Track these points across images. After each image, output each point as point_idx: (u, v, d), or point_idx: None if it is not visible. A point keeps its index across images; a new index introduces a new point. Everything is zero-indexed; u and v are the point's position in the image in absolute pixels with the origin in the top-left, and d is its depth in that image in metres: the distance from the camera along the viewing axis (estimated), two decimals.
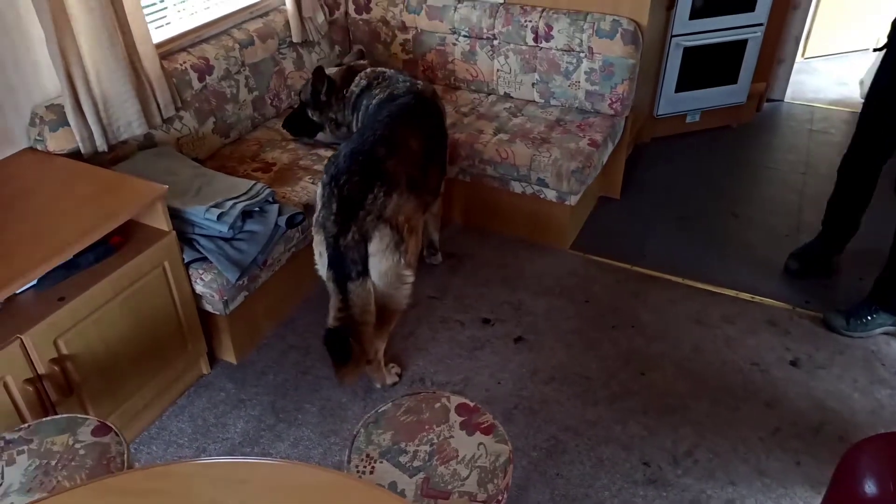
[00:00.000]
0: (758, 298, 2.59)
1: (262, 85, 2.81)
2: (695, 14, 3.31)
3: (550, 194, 2.72)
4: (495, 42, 3.00)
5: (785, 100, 4.09)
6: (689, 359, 2.34)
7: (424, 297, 2.61)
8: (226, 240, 2.07)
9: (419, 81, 2.48)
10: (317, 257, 2.01)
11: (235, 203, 2.10)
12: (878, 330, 2.39)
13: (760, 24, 3.45)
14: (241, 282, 2.09)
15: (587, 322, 2.51)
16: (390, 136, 2.12)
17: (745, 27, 3.43)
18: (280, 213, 2.21)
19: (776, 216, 3.11)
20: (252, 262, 2.10)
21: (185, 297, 2.06)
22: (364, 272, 1.91)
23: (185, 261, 2.03)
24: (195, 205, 2.05)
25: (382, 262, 1.92)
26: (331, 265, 1.93)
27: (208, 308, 2.12)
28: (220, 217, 2.04)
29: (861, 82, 4.15)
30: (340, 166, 1.98)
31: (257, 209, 2.17)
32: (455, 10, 3.02)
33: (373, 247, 1.90)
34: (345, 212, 1.89)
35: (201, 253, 2.04)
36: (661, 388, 2.24)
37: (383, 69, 2.58)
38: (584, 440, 2.07)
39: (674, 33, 3.34)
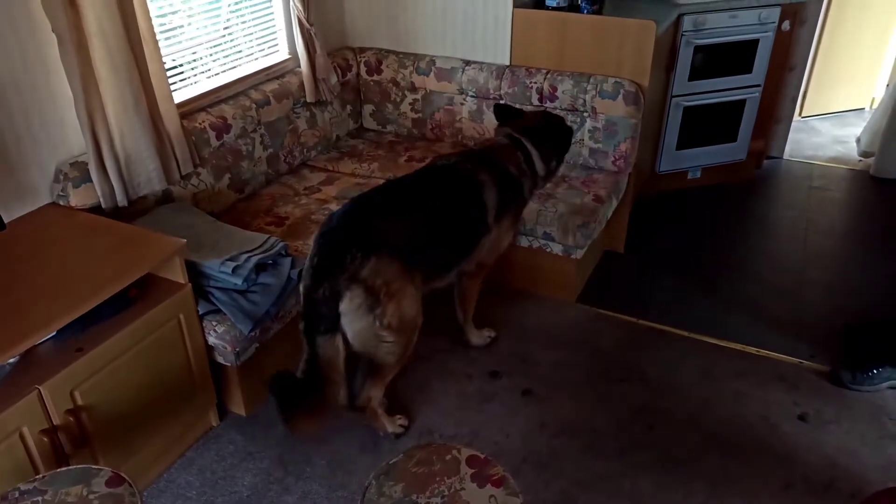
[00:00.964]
0: (764, 352, 2.60)
1: (277, 143, 2.91)
2: (694, 75, 3.44)
3: (556, 248, 2.77)
4: (502, 102, 3.11)
5: (784, 157, 4.18)
6: (698, 413, 2.34)
7: (434, 349, 2.63)
8: (240, 292, 2.11)
9: (481, 159, 2.31)
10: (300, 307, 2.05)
11: (250, 256, 2.15)
12: (885, 384, 2.40)
13: (758, 86, 3.57)
14: (253, 333, 2.12)
15: (595, 375, 2.52)
16: (394, 198, 2.15)
17: (742, 88, 3.55)
18: (293, 266, 2.26)
19: (779, 271, 3.14)
20: (265, 314, 2.14)
21: (197, 349, 2.09)
22: (333, 329, 1.92)
23: (200, 313, 2.07)
24: (211, 258, 2.11)
25: (354, 322, 1.93)
26: (302, 317, 1.99)
27: (220, 360, 2.15)
28: (234, 270, 2.09)
29: (858, 140, 4.26)
30: (332, 222, 2.04)
31: (270, 262, 2.22)
32: (463, 71, 3.14)
33: (343, 306, 1.91)
34: (321, 268, 1.94)
35: (216, 305, 2.08)
36: (671, 443, 2.24)
37: (502, 140, 2.43)
38: (594, 495, 2.06)
39: (674, 94, 3.46)
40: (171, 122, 2.36)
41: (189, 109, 2.58)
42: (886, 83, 4.63)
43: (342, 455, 2.20)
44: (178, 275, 2.01)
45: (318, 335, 1.93)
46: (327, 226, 2.05)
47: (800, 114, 4.67)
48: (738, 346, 2.64)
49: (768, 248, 3.32)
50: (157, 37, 2.28)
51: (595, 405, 2.39)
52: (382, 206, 2.11)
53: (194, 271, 2.10)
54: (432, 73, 3.20)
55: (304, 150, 3.09)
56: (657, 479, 2.11)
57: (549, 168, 2.49)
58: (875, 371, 2.39)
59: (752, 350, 2.62)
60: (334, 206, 2.73)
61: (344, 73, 3.27)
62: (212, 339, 2.10)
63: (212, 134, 2.58)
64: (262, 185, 2.87)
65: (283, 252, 2.27)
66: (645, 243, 3.33)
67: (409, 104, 3.32)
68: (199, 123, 2.55)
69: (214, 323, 2.08)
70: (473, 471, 1.51)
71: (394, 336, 2.01)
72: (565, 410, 2.37)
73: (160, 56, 2.29)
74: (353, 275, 1.90)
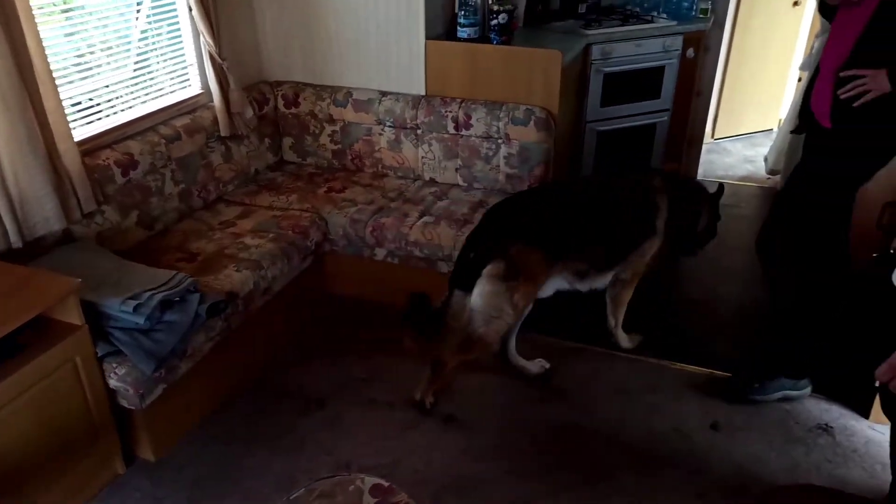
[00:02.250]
0: (678, 365, 2.67)
1: (189, 178, 2.86)
2: (605, 101, 3.57)
3: None
4: (419, 131, 3.16)
5: (697, 178, 4.36)
6: (615, 428, 2.38)
7: (353, 379, 2.60)
8: (142, 331, 2.05)
9: (655, 186, 2.55)
10: None
11: (154, 294, 2.09)
12: (777, 394, 2.46)
13: (666, 110, 3.73)
14: (158, 373, 2.05)
15: (517, 397, 2.54)
16: (557, 198, 2.51)
17: (652, 112, 3.70)
18: (201, 302, 2.20)
19: (692, 286, 3.25)
20: (170, 352, 2.07)
21: (97, 393, 2.01)
22: (469, 289, 2.23)
23: (99, 354, 1.99)
24: (111, 297, 2.04)
25: (487, 285, 2.23)
26: (453, 270, 2.38)
27: (123, 403, 2.07)
28: (136, 308, 2.03)
29: (765, 159, 4.48)
30: (502, 207, 2.44)
31: (177, 299, 2.16)
32: (380, 102, 3.18)
33: (486, 270, 2.22)
34: (478, 236, 2.35)
35: (116, 346, 2.01)
36: (592, 460, 2.26)
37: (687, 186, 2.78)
38: None
39: (588, 119, 3.58)
40: (71, 160, 2.30)
41: (93, 147, 2.52)
42: (790, 104, 4.90)
43: (256, 493, 2.13)
44: (74, 316, 1.94)
45: (457, 288, 2.23)
46: (499, 206, 2.43)
47: (712, 136, 4.90)
48: (652, 360, 2.70)
49: (682, 264, 3.43)
50: (72, 76, 2.23)
51: (517, 427, 2.39)
52: (544, 202, 2.48)
53: (94, 312, 2.02)
54: (349, 105, 3.22)
55: (220, 185, 3.05)
56: (580, 498, 2.12)
57: (702, 229, 2.75)
58: (766, 383, 2.46)
59: (666, 363, 2.68)
60: (249, 240, 2.69)
61: (261, 106, 3.26)
62: (113, 382, 2.02)
63: (117, 171, 2.52)
64: (174, 221, 2.81)
65: (192, 288, 2.22)
66: None
67: (329, 136, 3.33)
68: (104, 160, 2.49)
69: (115, 365, 2.01)
70: (377, 500, 1.49)
71: (512, 314, 2.28)
72: (488, 434, 2.37)
73: (57, 94, 2.24)
74: (503, 249, 2.23)
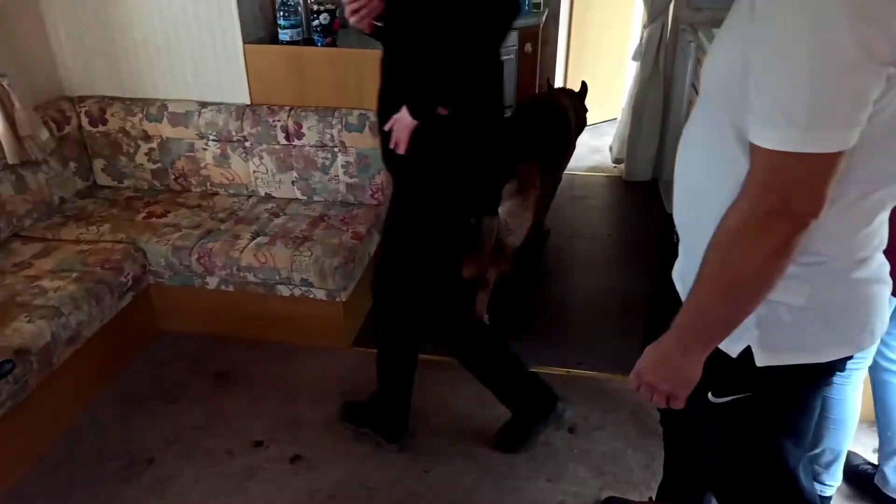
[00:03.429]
0: (534, 368, 2.60)
1: None
2: None
3: (319, 293, 2.60)
4: (247, 144, 2.89)
5: None
6: (472, 445, 2.27)
7: (186, 429, 2.32)
8: None
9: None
10: None
11: None
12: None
13: (509, 106, 3.69)
14: None
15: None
16: (527, 124, 3.15)
17: None
18: None
19: (548, 282, 3.23)
20: None
21: None
22: (495, 212, 2.34)
23: None
24: None
25: (507, 203, 2.56)
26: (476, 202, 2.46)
27: None
28: None
29: (611, 148, 4.60)
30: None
31: None
32: (200, 114, 2.88)
33: (504, 192, 2.40)
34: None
35: None
36: (447, 484, 2.13)
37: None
38: None
39: None
40: None
41: None
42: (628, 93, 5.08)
43: None
44: None
45: (485, 215, 2.23)
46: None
47: None
48: None
49: (544, 256, 3.41)
50: None
51: (369, 459, 2.22)
52: (520, 125, 3.07)
53: None
54: (165, 119, 2.90)
55: (14, 220, 2.64)
56: None
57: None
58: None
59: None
60: (48, 283, 2.33)
61: (60, 126, 2.86)
62: None
63: None
64: None
65: None
66: None
67: (145, 154, 2.98)
68: None
69: None
70: None
71: (530, 215, 2.68)
72: (337, 472, 2.17)
73: None
74: (510, 170, 2.55)
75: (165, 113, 2.89)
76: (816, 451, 1.87)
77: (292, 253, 2.54)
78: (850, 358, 1.13)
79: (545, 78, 3.83)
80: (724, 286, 0.97)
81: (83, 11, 2.85)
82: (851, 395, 1.79)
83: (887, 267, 1.10)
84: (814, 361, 1.08)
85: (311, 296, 2.61)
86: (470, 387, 2.46)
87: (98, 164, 3.04)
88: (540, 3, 3.73)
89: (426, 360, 2.28)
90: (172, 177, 3.01)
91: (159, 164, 2.99)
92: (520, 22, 3.59)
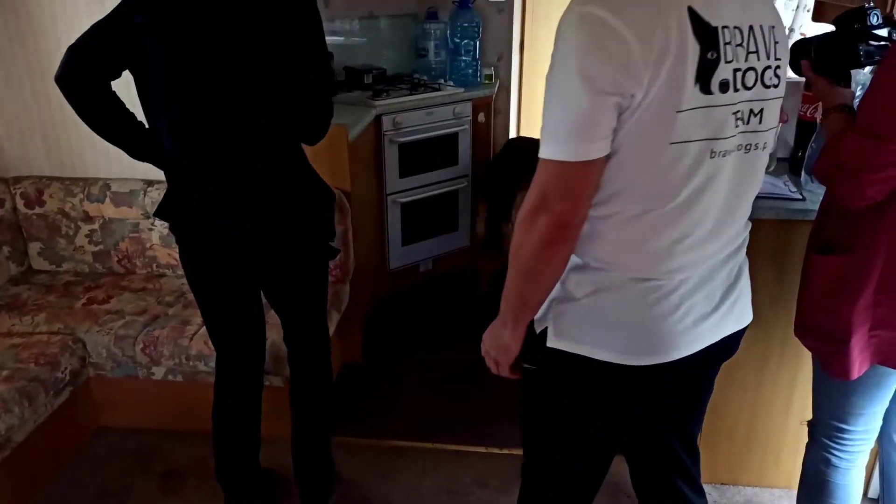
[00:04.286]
0: (506, 450, 2.49)
1: None
2: (404, 172, 3.44)
3: (276, 381, 2.44)
4: None
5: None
6: None
7: None
8: None
9: None
10: None
11: None
12: None
13: (465, 175, 3.69)
14: None
15: None
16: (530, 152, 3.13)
17: (452, 179, 3.64)
18: None
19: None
20: None
21: None
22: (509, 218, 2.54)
23: None
24: None
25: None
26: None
27: None
28: None
29: None
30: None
31: None
32: (145, 194, 2.74)
33: (516, 202, 2.48)
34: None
35: None
36: None
37: None
38: None
39: (388, 192, 3.42)
40: None
41: None
42: None
43: None
44: None
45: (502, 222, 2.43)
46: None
47: None
48: (481, 449, 2.50)
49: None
50: None
51: None
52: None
53: None
54: (108, 199, 2.75)
55: None
56: None
57: None
58: None
59: (495, 450, 2.49)
60: None
61: None
62: None
63: None
64: None
65: None
66: (383, 348, 3.15)
67: (86, 236, 2.81)
68: None
69: None
70: None
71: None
72: None
73: None
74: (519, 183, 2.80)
75: (108, 192, 2.75)
76: None
77: None
78: (645, 371, 1.18)
79: (501, 145, 3.87)
80: (514, 267, 1.15)
81: (19, 87, 2.73)
82: (856, 478, 1.73)
83: (692, 306, 1.17)
84: (591, 356, 1.18)
85: (269, 383, 2.45)
86: (437, 477, 2.34)
87: (34, 247, 2.85)
88: (492, 75, 3.79)
89: (391, 446, 2.16)
90: (115, 259, 2.84)
91: (101, 246, 2.83)
92: (474, 92, 3.63)
